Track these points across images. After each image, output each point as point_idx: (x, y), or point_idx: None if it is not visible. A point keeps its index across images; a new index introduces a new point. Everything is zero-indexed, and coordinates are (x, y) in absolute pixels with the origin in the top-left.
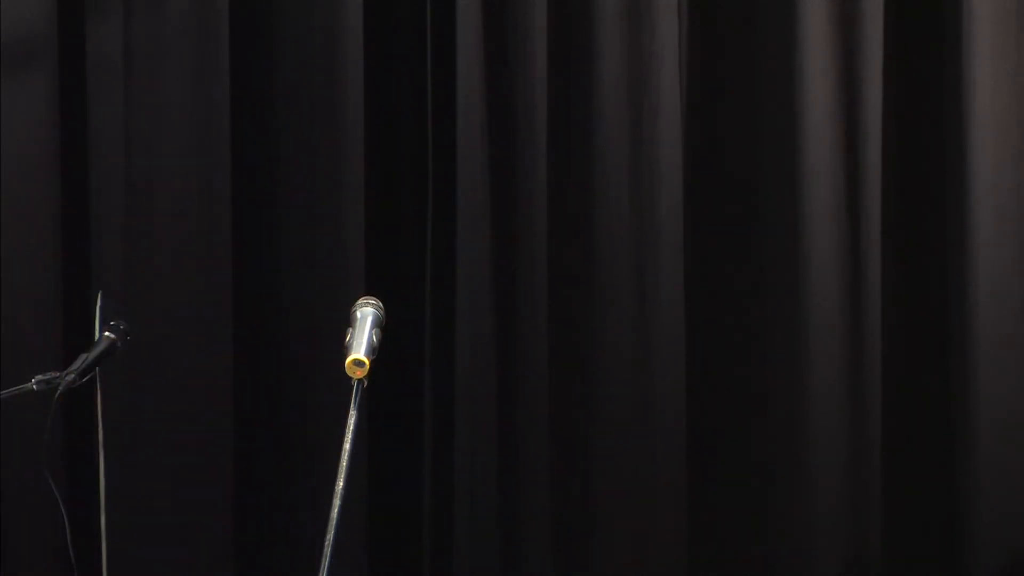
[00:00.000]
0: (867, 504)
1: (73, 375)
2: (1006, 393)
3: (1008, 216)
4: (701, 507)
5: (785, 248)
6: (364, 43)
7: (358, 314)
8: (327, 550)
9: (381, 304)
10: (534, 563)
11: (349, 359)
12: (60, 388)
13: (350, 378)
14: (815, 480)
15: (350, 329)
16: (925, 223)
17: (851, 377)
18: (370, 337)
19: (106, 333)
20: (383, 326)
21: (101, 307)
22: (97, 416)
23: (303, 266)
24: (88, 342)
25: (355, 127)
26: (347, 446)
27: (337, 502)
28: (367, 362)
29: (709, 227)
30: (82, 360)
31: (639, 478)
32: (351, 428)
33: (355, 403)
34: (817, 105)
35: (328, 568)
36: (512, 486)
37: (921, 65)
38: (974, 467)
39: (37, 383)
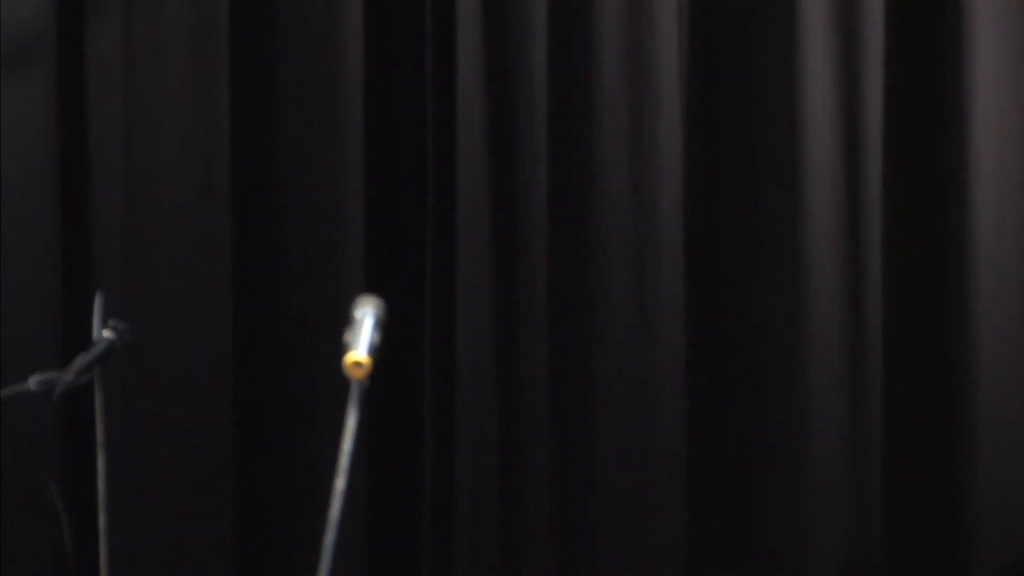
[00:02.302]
0: (867, 504)
1: (71, 375)
2: (1008, 391)
3: (1009, 214)
4: (701, 507)
5: (786, 248)
6: (364, 43)
7: (358, 314)
8: (327, 550)
9: (382, 303)
10: (534, 563)
11: (349, 359)
12: (58, 388)
13: (350, 378)
14: (815, 480)
15: (350, 329)
16: (926, 222)
17: (852, 376)
18: (370, 337)
19: (104, 333)
20: (384, 326)
21: (100, 307)
22: (96, 416)
23: (303, 266)
24: (87, 342)
25: (355, 127)
26: (347, 446)
27: (337, 502)
28: (367, 362)
29: (709, 227)
30: (80, 360)
31: (639, 478)
32: (351, 428)
33: (355, 403)
34: (817, 105)
35: (328, 568)
36: (512, 486)
37: (921, 65)
38: (975, 466)
39: (35, 383)
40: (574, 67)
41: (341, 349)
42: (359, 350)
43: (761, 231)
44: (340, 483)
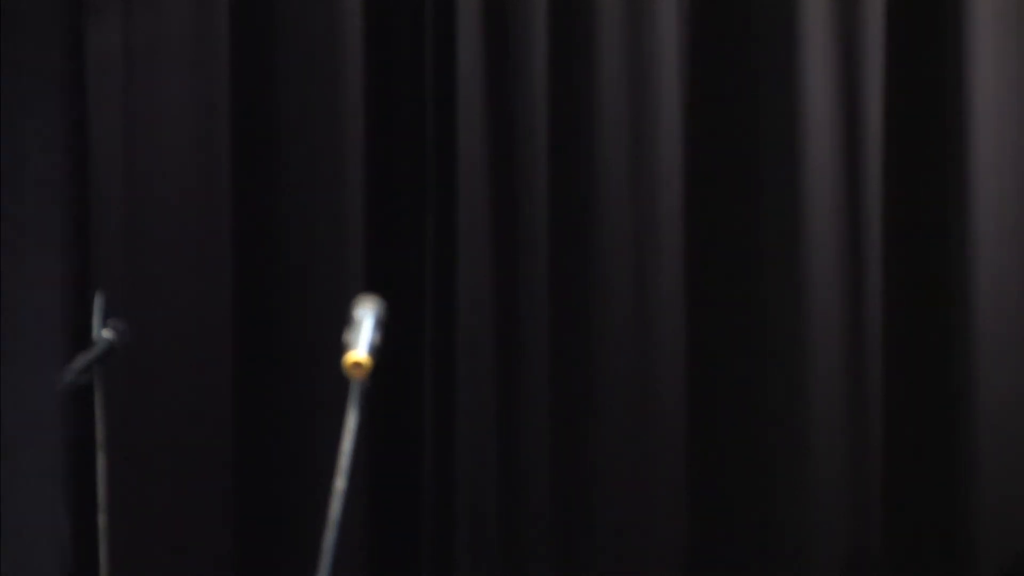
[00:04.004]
0: (867, 503)
1: (71, 375)
2: (1008, 391)
3: (1009, 213)
4: (701, 506)
5: (785, 248)
6: (364, 43)
7: (358, 314)
8: (327, 550)
9: (382, 303)
10: (534, 563)
11: (349, 359)
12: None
13: (350, 378)
14: (815, 479)
15: (350, 329)
16: (926, 222)
17: (852, 376)
18: (370, 337)
19: (104, 333)
20: (384, 325)
21: (100, 307)
22: (96, 416)
23: (303, 265)
24: (88, 342)
25: (355, 127)
26: (347, 446)
27: (337, 502)
28: (367, 362)
29: (709, 227)
30: (80, 360)
31: (639, 477)
32: (351, 428)
33: (355, 403)
34: (817, 105)
35: (328, 568)
36: (512, 486)
37: (921, 65)
38: (975, 466)
39: None
40: (574, 67)
41: (341, 349)
42: (359, 350)
43: (761, 231)
44: (340, 483)
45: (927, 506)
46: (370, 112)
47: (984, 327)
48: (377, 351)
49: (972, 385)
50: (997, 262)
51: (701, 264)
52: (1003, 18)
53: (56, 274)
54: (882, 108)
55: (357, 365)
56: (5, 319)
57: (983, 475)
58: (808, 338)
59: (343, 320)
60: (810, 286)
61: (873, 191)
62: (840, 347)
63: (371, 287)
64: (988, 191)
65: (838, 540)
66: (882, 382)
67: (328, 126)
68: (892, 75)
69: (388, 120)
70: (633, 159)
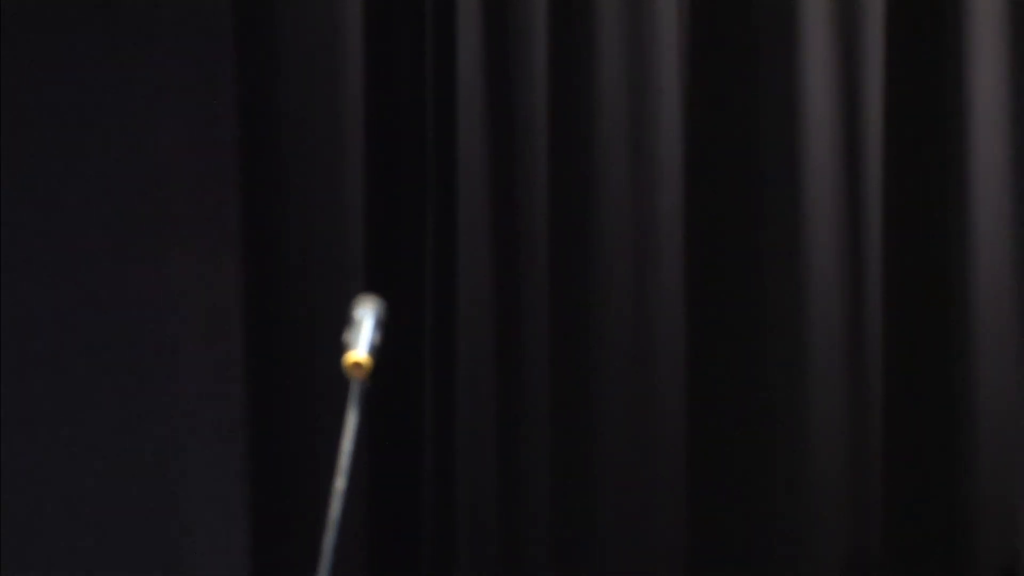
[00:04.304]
0: (867, 503)
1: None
2: (1007, 389)
3: (1008, 213)
4: (701, 506)
5: (785, 248)
6: (364, 43)
7: (358, 314)
8: (327, 550)
9: (382, 303)
10: (534, 563)
11: (349, 359)
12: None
13: (350, 378)
14: (815, 479)
15: (350, 329)
16: (925, 221)
17: (852, 375)
18: (370, 337)
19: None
20: (384, 325)
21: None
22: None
23: (303, 265)
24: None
25: (355, 127)
26: (347, 446)
27: (337, 502)
28: (367, 362)
29: (709, 227)
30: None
31: (639, 478)
32: (351, 428)
33: (355, 403)
34: (817, 105)
35: (328, 568)
36: (512, 486)
37: (921, 65)
38: (975, 464)
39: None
40: (574, 66)
41: (341, 349)
42: (359, 350)
43: (761, 231)
44: (340, 483)
45: (927, 506)
46: (370, 112)
47: (984, 327)
48: (377, 351)
49: (972, 385)
50: (997, 262)
51: (701, 264)
52: (1003, 18)
53: (232, 271)
54: (882, 108)
55: (357, 365)
56: (180, 316)
57: (983, 475)
58: (808, 338)
59: (343, 320)
60: (810, 286)
61: (873, 191)
62: (840, 347)
63: (371, 287)
64: (988, 191)
65: (838, 540)
66: (882, 382)
67: (328, 126)
68: (892, 75)
69: (388, 120)
70: (633, 159)
